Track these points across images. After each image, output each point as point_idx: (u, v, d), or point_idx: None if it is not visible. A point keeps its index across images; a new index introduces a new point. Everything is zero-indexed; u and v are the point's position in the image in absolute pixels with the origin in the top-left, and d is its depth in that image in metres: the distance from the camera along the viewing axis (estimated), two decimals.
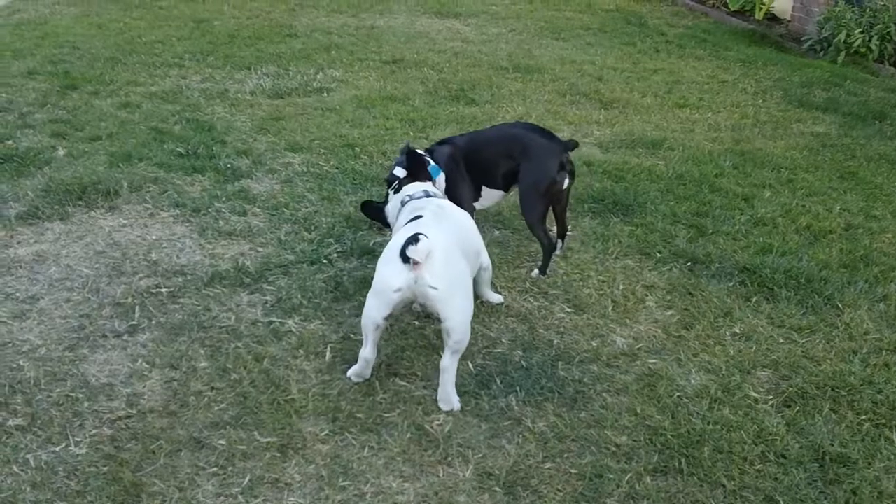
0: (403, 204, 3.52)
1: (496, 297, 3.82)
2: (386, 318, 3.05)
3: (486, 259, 3.58)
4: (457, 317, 3.00)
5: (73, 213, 4.54)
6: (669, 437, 2.98)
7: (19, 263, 4.00)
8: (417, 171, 3.89)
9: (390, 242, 3.18)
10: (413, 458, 2.86)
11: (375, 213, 4.19)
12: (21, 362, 3.26)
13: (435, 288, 2.93)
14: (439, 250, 2.97)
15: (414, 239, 2.89)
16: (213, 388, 3.15)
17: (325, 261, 4.10)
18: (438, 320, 3.04)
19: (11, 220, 4.39)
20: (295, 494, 2.68)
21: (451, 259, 3.07)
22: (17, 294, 3.74)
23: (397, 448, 2.89)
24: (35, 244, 4.19)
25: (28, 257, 4.05)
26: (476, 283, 3.50)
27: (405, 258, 2.90)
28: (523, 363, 3.38)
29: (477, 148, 4.11)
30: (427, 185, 3.65)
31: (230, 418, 2.99)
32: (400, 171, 3.89)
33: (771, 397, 3.25)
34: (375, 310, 3.03)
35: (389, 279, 2.97)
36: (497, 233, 4.44)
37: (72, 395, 3.09)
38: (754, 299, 3.94)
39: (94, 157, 5.26)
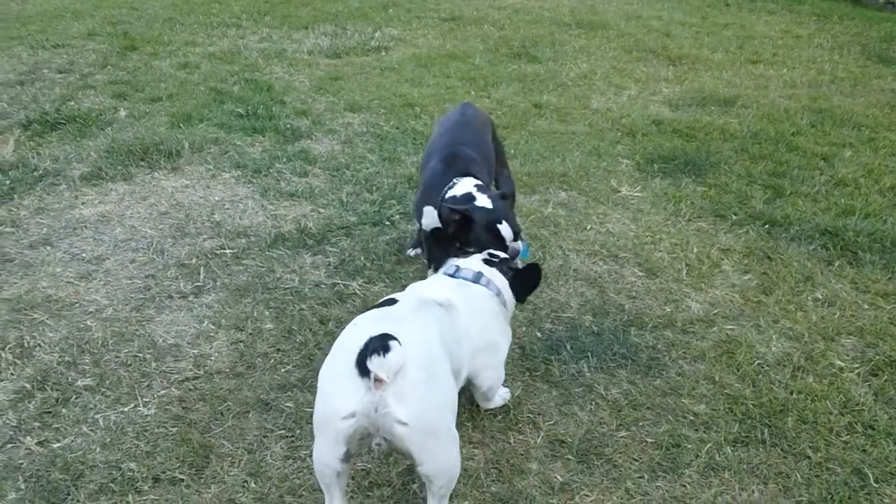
0: (448, 274, 2.68)
1: (499, 400, 2.89)
2: (345, 460, 2.08)
3: (486, 379, 2.63)
4: (437, 460, 2.11)
5: (136, 173, 4.53)
6: (750, 406, 2.85)
7: (84, 224, 4.00)
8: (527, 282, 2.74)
9: (343, 335, 2.18)
10: (482, 424, 2.78)
11: (443, 246, 2.97)
12: (89, 322, 3.27)
13: (404, 423, 1.99)
14: (415, 365, 2.02)
15: (382, 344, 1.95)
16: (279, 350, 3.11)
17: (387, 222, 4.02)
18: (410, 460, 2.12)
19: (76, 181, 4.40)
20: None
21: (434, 376, 2.11)
22: (83, 255, 3.75)
23: (465, 413, 2.81)
24: (99, 205, 4.19)
25: (92, 218, 4.06)
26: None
27: (363, 370, 1.96)
28: (594, 328, 3.26)
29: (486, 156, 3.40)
30: (486, 269, 2.68)
31: (297, 380, 2.95)
32: (511, 239, 2.92)
33: (857, 366, 3.08)
34: (326, 452, 2.07)
35: (336, 400, 2.01)
36: (563, 194, 4.30)
37: (139, 355, 3.08)
38: (837, 263, 3.75)
39: (155, 118, 5.26)
